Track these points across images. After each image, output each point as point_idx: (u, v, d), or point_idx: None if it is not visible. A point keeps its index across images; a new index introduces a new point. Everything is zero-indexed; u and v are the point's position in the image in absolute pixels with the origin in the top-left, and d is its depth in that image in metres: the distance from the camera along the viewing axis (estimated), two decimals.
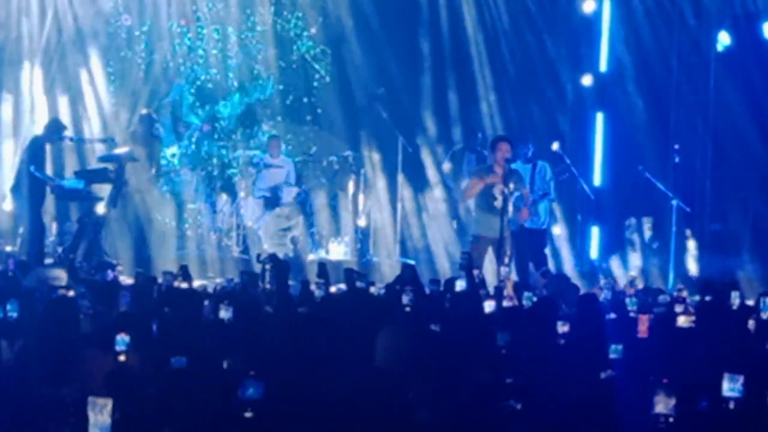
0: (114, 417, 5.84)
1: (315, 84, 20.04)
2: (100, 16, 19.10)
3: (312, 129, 20.08)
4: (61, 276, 11.29)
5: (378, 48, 19.55)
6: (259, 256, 12.80)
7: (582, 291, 13.38)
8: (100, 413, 5.74)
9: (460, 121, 19.69)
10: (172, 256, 17.15)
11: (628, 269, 17.02)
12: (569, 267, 17.51)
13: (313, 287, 11.27)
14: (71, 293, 10.35)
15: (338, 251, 18.32)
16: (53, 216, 17.44)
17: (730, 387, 6.69)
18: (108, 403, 5.78)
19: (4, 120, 18.71)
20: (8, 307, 8.96)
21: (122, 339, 7.55)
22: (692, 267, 17.60)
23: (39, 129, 17.18)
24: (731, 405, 6.63)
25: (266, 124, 19.83)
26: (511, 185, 14.63)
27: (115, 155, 16.94)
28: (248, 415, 6.23)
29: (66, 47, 18.97)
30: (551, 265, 16.28)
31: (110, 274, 12.77)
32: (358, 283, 11.62)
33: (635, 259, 17.73)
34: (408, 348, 7.57)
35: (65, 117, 18.19)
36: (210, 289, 12.59)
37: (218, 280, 14.86)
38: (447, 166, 18.69)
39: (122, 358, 7.51)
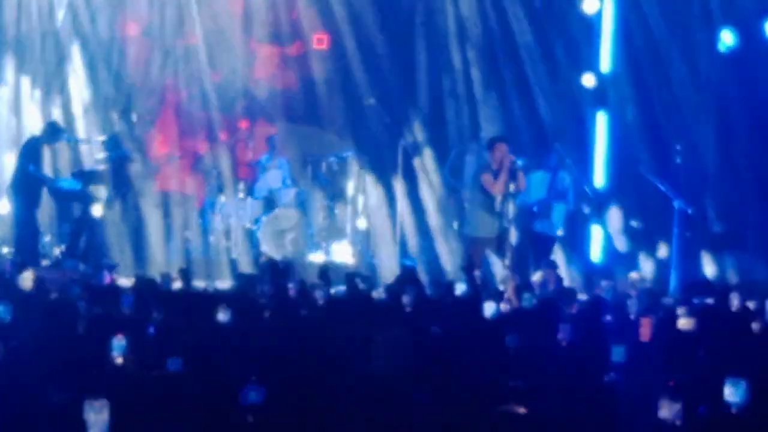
0: (111, 420, 5.80)
1: (315, 83, 20.00)
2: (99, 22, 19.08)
3: (312, 129, 20.01)
4: (27, 278, 11.18)
5: (376, 48, 19.48)
6: (258, 259, 12.74)
7: (581, 292, 13.35)
8: (98, 414, 5.70)
9: (460, 123, 19.62)
10: (170, 257, 17.12)
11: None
12: (570, 268, 17.47)
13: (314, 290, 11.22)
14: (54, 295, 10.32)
15: (338, 253, 18.26)
16: (51, 217, 17.37)
17: (732, 392, 6.63)
18: (105, 405, 5.75)
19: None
20: (0, 309, 8.91)
21: (119, 343, 7.50)
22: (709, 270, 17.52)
23: (34, 130, 17.16)
24: (734, 410, 6.58)
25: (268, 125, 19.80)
26: (512, 186, 14.62)
27: (113, 156, 16.91)
28: (249, 419, 6.20)
29: (61, 46, 18.92)
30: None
31: (107, 276, 12.70)
32: (361, 286, 11.57)
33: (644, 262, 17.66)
34: (408, 350, 7.53)
35: (58, 116, 18.18)
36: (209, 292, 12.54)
37: (223, 283, 14.84)
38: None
39: (119, 361, 7.47)
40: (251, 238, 17.92)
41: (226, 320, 9.02)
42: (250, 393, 6.25)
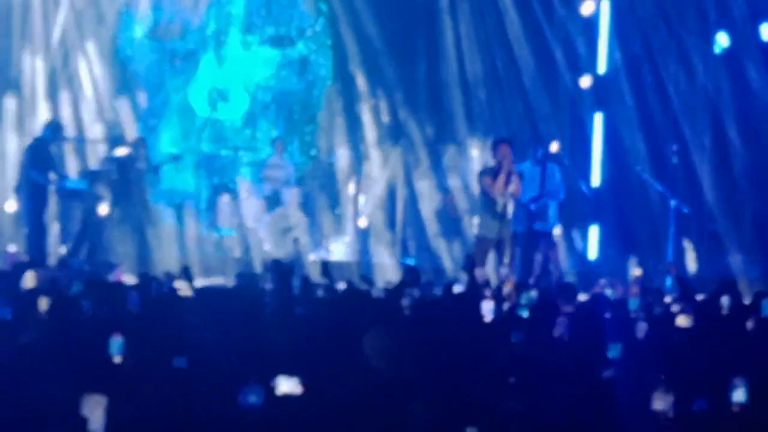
0: (113, 419, 5.87)
1: (316, 84, 20.11)
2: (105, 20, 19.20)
3: (312, 129, 20.10)
4: (30, 277, 11.27)
5: (376, 48, 19.55)
6: (262, 258, 12.80)
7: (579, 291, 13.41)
8: (94, 411, 5.75)
9: (459, 122, 19.70)
10: (173, 255, 17.18)
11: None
12: (567, 267, 17.54)
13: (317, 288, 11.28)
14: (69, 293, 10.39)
15: (339, 251, 18.36)
16: (56, 216, 17.45)
17: (735, 392, 6.70)
18: (102, 401, 5.79)
19: (7, 116, 18.71)
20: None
21: (116, 341, 7.52)
22: (692, 266, 17.60)
23: (38, 128, 17.24)
24: (734, 409, 6.66)
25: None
26: (512, 187, 14.72)
27: (117, 155, 16.98)
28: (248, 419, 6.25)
29: (70, 43, 19.00)
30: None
31: (115, 273, 12.78)
32: (361, 285, 11.61)
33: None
34: (406, 350, 7.59)
35: (67, 115, 18.27)
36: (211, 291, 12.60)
37: (225, 282, 14.89)
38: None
39: (117, 360, 7.50)
40: (254, 237, 18.01)
41: (228, 319, 9.08)
42: (249, 394, 6.30)
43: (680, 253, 17.78)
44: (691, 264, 17.66)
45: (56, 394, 6.53)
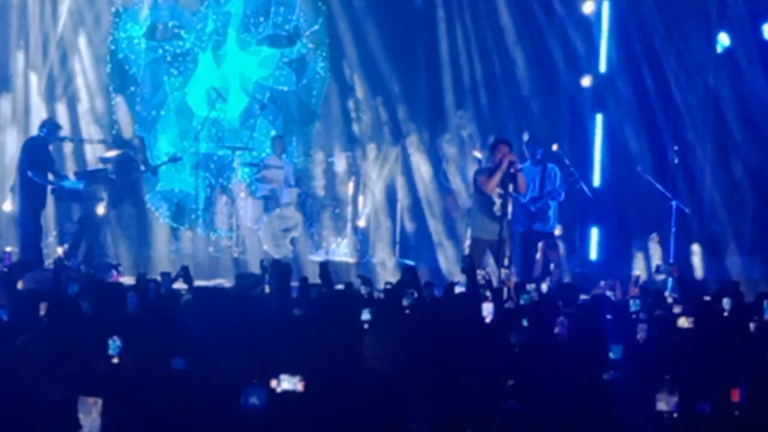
0: (110, 420, 5.82)
1: (314, 84, 20.10)
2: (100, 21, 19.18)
3: (311, 129, 20.09)
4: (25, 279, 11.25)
5: (375, 47, 19.54)
6: (262, 261, 12.75)
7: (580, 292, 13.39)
8: (89, 413, 5.71)
9: (458, 123, 19.69)
10: (170, 256, 17.17)
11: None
12: (567, 268, 17.52)
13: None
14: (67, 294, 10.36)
15: (338, 252, 18.34)
16: (54, 217, 17.42)
17: (737, 394, 6.67)
18: (98, 403, 5.75)
19: (2, 116, 18.69)
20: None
21: (114, 343, 7.48)
22: (698, 271, 17.61)
23: (34, 129, 17.21)
24: (736, 410, 6.63)
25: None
26: (511, 188, 14.66)
27: (115, 156, 16.96)
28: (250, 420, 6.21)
29: (66, 43, 18.98)
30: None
31: (114, 274, 12.74)
32: (363, 289, 11.56)
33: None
34: (405, 350, 7.56)
35: (63, 115, 18.25)
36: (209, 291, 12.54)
37: (224, 283, 14.88)
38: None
39: (115, 361, 7.46)
40: (252, 237, 17.99)
41: (227, 320, 9.04)
42: (251, 395, 6.26)
43: (688, 258, 17.79)
44: (699, 269, 17.65)
45: (54, 396, 6.49)
